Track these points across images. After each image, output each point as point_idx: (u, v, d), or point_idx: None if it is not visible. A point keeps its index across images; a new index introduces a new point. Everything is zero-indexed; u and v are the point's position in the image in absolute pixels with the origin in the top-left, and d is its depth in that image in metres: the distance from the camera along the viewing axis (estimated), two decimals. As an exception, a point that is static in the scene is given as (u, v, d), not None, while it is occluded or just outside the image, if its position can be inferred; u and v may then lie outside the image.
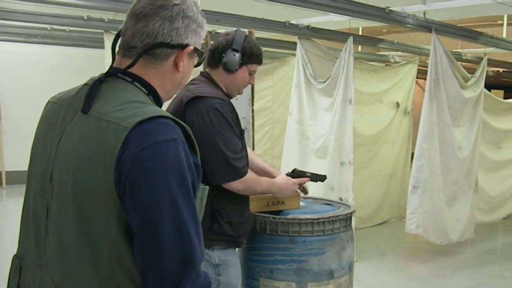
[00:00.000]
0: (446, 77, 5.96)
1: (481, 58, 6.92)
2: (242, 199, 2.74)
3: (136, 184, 1.31)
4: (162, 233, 1.31)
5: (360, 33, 7.84)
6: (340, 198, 5.33)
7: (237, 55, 2.68)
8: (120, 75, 1.49)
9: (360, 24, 7.26)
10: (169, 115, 1.40)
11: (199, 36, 1.55)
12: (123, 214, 1.33)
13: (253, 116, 4.26)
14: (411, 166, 6.19)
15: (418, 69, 8.10)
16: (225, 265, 2.64)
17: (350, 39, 5.75)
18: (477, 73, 6.64)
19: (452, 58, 6.11)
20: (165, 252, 1.32)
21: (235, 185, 2.59)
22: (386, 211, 7.84)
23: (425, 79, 6.08)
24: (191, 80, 2.72)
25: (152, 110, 1.39)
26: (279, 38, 7.57)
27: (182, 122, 1.41)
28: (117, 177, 1.31)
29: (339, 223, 3.04)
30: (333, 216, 3.02)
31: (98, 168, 1.33)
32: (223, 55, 2.68)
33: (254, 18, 5.96)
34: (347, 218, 3.12)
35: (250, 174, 2.67)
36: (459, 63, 6.37)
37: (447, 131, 6.05)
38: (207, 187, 1.53)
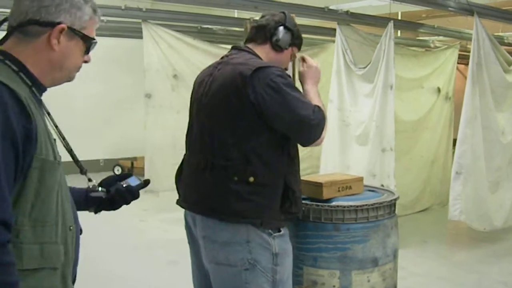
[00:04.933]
0: (489, 61, 5.84)
1: (525, 41, 6.77)
2: (299, 172, 2.66)
3: None
4: None
5: (399, 18, 7.73)
6: (382, 185, 5.28)
7: (289, 34, 2.65)
8: None
9: (399, 9, 7.15)
10: None
11: (75, 17, 1.60)
12: None
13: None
14: (453, 152, 6.10)
15: (458, 54, 7.95)
16: (284, 254, 2.55)
17: (391, 24, 5.67)
18: (521, 57, 6.49)
19: (495, 41, 5.97)
20: None
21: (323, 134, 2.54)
22: (427, 198, 7.75)
23: (464, 64, 5.96)
24: (230, 55, 2.65)
25: None
26: (318, 25, 7.51)
27: (10, 86, 1.44)
28: None
29: (383, 210, 3.02)
30: (377, 203, 2.99)
31: None
32: (275, 32, 2.63)
33: (292, 4, 5.91)
34: (391, 205, 3.09)
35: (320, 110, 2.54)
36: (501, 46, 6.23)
37: (490, 116, 5.93)
38: (56, 161, 1.54)
